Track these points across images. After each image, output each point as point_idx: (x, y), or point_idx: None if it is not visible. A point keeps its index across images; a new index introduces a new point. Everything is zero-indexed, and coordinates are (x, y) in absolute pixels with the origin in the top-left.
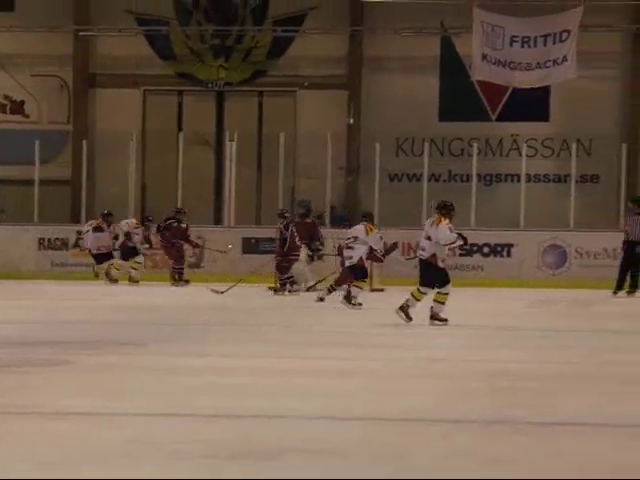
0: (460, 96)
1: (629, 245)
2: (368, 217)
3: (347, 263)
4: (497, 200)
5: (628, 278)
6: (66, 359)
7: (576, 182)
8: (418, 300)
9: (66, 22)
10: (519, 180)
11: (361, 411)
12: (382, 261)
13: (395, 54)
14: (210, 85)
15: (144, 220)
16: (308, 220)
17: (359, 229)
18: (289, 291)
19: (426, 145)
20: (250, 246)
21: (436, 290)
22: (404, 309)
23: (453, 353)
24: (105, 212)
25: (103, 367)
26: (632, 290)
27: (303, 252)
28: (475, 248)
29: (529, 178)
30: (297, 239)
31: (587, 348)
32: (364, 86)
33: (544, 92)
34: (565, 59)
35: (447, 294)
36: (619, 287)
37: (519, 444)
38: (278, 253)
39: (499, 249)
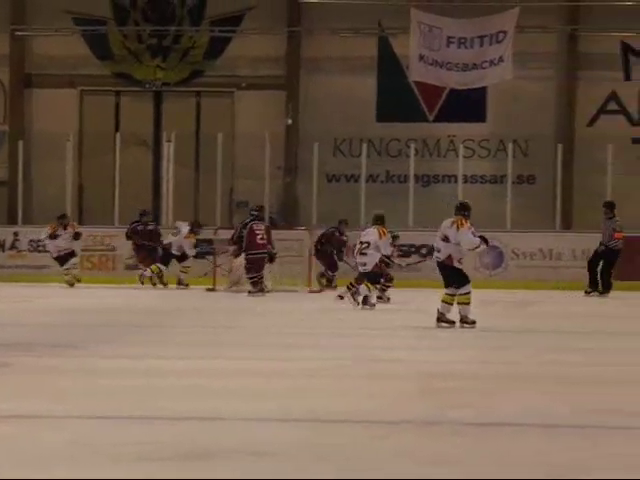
0: (397, 97)
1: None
2: (380, 220)
3: (360, 269)
4: (434, 201)
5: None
6: (5, 361)
7: (512, 183)
8: (450, 304)
9: (2, 21)
10: (456, 181)
11: (300, 412)
12: (389, 267)
13: (333, 54)
14: (147, 85)
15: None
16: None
17: (372, 233)
18: (249, 292)
19: (364, 146)
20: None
21: (444, 291)
22: (442, 319)
23: (392, 354)
24: (59, 215)
25: (42, 370)
26: (606, 291)
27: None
28: (413, 249)
29: (466, 179)
30: (259, 238)
31: (525, 348)
32: (302, 86)
33: (481, 93)
34: (501, 60)
35: (468, 293)
36: (596, 287)
37: (459, 445)
38: (235, 252)
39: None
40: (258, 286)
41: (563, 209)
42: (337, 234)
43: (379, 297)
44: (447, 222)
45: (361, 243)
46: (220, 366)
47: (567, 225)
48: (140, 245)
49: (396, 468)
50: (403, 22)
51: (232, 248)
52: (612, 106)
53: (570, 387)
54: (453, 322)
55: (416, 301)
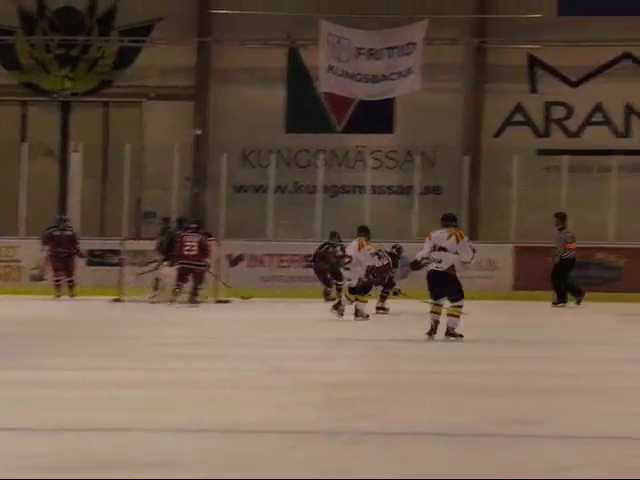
0: (306, 108)
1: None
2: (364, 232)
3: (347, 284)
4: (342, 211)
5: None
6: None
7: (419, 194)
8: (440, 314)
9: None
10: (364, 192)
11: (209, 423)
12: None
13: (242, 65)
14: (55, 95)
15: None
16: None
17: (352, 246)
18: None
19: (272, 156)
20: (94, 257)
21: (433, 302)
22: (449, 333)
23: (294, 364)
24: None
25: None
26: (562, 302)
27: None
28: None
29: (374, 190)
30: (186, 249)
31: (425, 358)
32: (211, 97)
33: (389, 104)
34: (410, 71)
35: (462, 306)
36: (563, 299)
37: (360, 454)
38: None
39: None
40: (193, 297)
41: (469, 220)
42: (330, 249)
43: (380, 307)
44: (440, 234)
45: (344, 257)
46: (128, 377)
47: (473, 235)
48: (54, 253)
49: (304, 478)
50: (312, 33)
51: (160, 258)
52: (518, 118)
53: (465, 396)
54: (462, 336)
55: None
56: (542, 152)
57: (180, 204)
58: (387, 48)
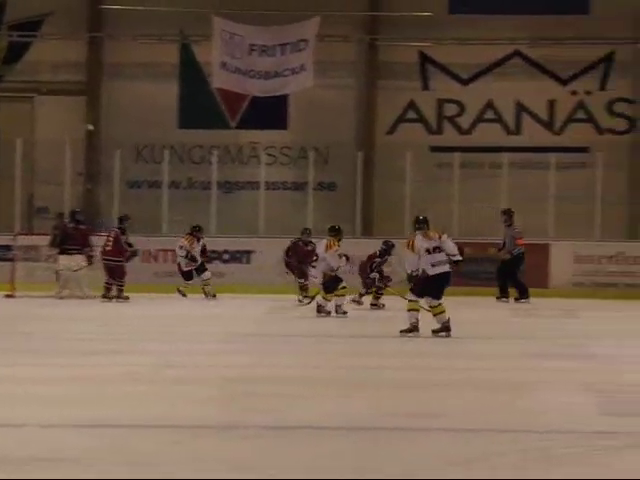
0: (200, 104)
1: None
2: (335, 232)
3: (313, 281)
4: (237, 207)
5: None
6: None
7: (313, 190)
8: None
9: None
10: (258, 188)
11: (103, 418)
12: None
13: (135, 61)
14: None
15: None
16: (82, 227)
17: (321, 244)
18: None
19: (166, 152)
20: None
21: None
22: (405, 330)
23: (191, 359)
24: None
25: None
26: (504, 297)
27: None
28: (215, 255)
29: (268, 186)
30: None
31: (325, 353)
32: (104, 92)
33: (282, 100)
34: (303, 68)
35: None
36: (506, 294)
37: (256, 448)
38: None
39: (239, 256)
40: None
41: (363, 216)
42: (300, 244)
43: (374, 304)
44: (423, 237)
45: (313, 253)
46: (19, 373)
47: (368, 232)
48: None
49: (198, 472)
50: (205, 29)
51: (54, 252)
52: (411, 115)
53: (364, 391)
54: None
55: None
56: (435, 149)
57: (73, 200)
58: (279, 45)
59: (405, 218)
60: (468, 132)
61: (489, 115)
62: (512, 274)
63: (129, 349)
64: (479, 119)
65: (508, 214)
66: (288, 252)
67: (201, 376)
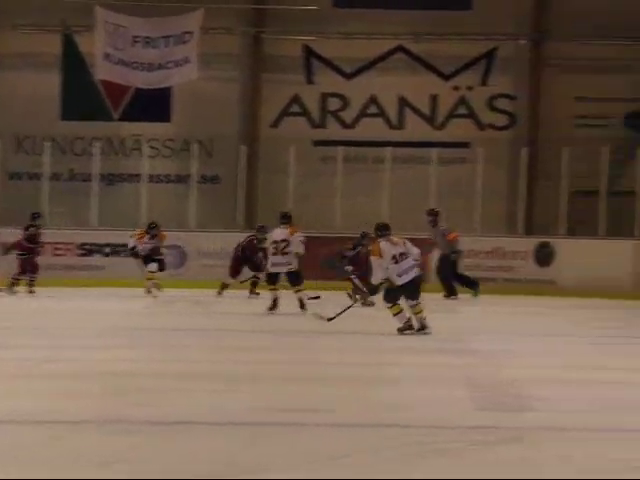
0: (82, 95)
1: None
2: (287, 219)
3: (285, 270)
4: (119, 200)
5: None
6: None
7: (197, 183)
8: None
9: None
10: (141, 180)
11: None
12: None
13: (15, 51)
14: None
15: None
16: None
17: (284, 232)
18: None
19: (47, 144)
20: None
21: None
22: (402, 329)
23: (71, 353)
24: None
25: None
26: (453, 295)
27: None
28: (96, 247)
29: (151, 178)
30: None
31: (205, 347)
32: None
33: (166, 93)
34: (187, 60)
35: None
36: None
37: (134, 444)
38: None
39: (120, 249)
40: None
41: (247, 209)
42: (255, 241)
43: (364, 303)
44: (391, 244)
45: (277, 242)
46: None
47: (250, 225)
48: None
49: (75, 468)
50: (88, 20)
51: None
52: (295, 109)
53: (242, 385)
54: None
55: (115, 301)
56: (318, 143)
57: None
58: (163, 37)
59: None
60: (351, 126)
61: (372, 110)
62: (449, 271)
63: (10, 343)
64: (362, 114)
65: (433, 214)
66: (242, 248)
67: (81, 370)
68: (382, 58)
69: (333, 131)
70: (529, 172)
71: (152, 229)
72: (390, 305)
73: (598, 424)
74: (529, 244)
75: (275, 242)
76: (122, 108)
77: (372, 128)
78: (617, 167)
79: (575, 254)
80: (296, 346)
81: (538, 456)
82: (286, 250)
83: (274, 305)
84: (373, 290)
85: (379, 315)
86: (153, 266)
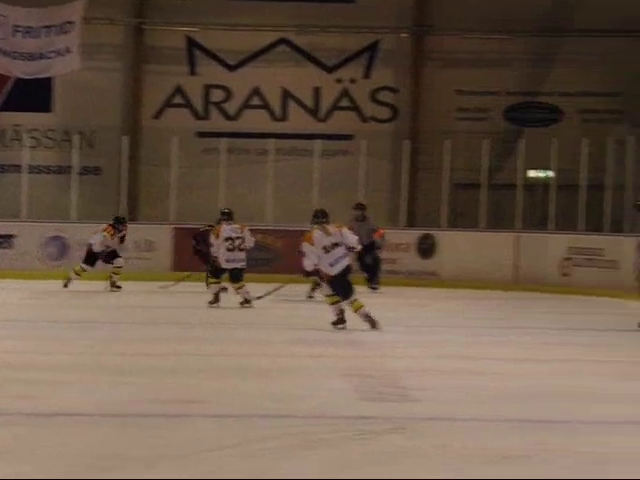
0: None
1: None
2: (228, 216)
3: (239, 266)
4: (0, 191)
5: None
6: None
7: (78, 174)
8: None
9: None
10: (21, 171)
11: None
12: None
13: None
14: None
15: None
16: None
17: (237, 228)
18: None
19: None
20: None
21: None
22: (335, 322)
23: None
24: None
25: None
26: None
27: None
28: None
29: (31, 169)
30: None
31: (91, 339)
32: None
33: (47, 83)
34: (68, 51)
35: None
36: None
37: (14, 436)
38: None
39: (1, 240)
40: None
41: (129, 201)
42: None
43: (310, 296)
44: (322, 233)
45: (232, 239)
46: None
47: (133, 217)
48: None
49: None
50: None
51: None
52: (178, 100)
53: (131, 377)
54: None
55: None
56: (201, 134)
57: None
58: (44, 26)
59: (170, 203)
60: (235, 118)
61: (256, 101)
62: (376, 265)
63: None
64: (246, 105)
65: (360, 208)
66: (197, 239)
67: None
68: (265, 50)
69: (216, 123)
70: (411, 164)
71: (120, 223)
72: (329, 294)
73: (475, 414)
74: (411, 236)
75: (230, 239)
76: (2, 98)
77: (255, 120)
78: (497, 160)
79: (456, 246)
80: (182, 338)
81: (421, 445)
82: (242, 247)
83: (216, 299)
84: (307, 275)
85: (269, 307)
86: (119, 261)
